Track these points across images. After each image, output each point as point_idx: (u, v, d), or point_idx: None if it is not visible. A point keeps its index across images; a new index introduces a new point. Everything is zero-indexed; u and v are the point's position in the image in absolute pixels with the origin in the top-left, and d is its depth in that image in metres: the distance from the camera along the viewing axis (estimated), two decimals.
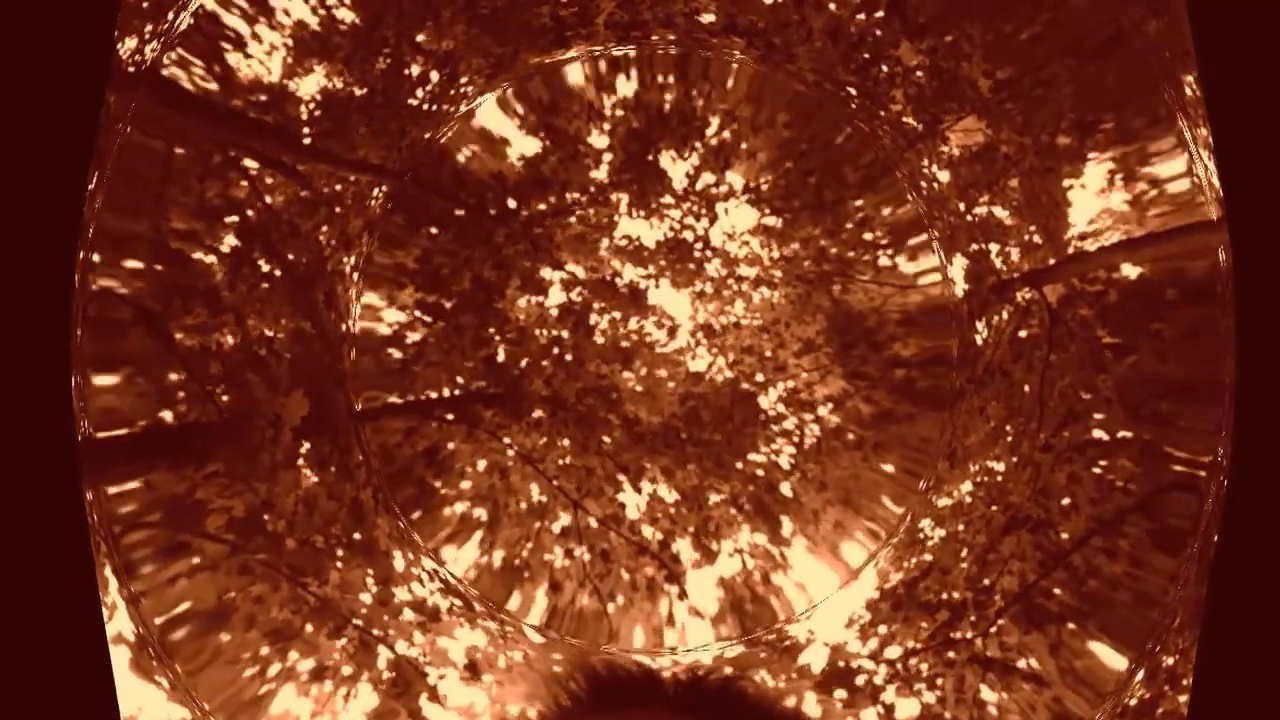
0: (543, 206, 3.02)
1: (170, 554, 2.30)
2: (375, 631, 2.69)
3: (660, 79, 2.95)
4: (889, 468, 2.99)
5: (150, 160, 2.23)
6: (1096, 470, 2.59)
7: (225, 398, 2.52)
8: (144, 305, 2.25)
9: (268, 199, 2.64)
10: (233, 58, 2.40)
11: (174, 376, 2.41)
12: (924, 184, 2.91)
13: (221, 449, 2.49)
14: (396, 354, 2.95)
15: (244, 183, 2.57)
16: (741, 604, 2.97)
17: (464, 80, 2.85)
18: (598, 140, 3.00)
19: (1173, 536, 2.32)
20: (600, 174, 3.02)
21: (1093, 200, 2.61)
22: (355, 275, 2.89)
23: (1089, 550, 2.52)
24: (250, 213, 2.60)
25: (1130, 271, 2.55)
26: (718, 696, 1.31)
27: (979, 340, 2.89)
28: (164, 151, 2.27)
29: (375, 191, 2.88)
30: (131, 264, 2.25)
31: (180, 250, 2.40)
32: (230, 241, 2.56)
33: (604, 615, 2.93)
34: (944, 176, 2.87)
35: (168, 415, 2.36)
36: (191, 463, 2.43)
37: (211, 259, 2.53)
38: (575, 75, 2.94)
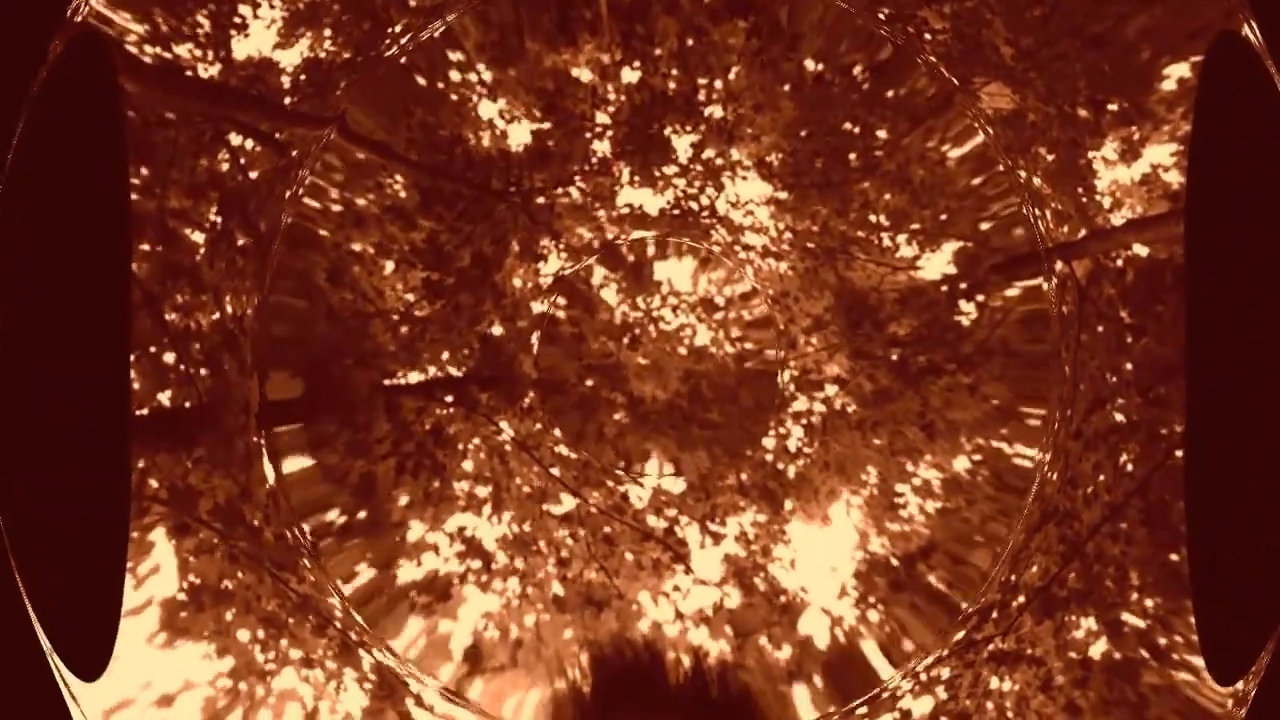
0: (544, 179, 3.14)
1: (179, 532, 2.54)
2: (353, 635, 2.86)
3: (664, 70, 3.08)
4: (879, 442, 3.17)
5: (163, 142, 2.43)
6: (1115, 456, 2.74)
7: (205, 380, 2.67)
8: (147, 287, 2.45)
9: (250, 173, 2.77)
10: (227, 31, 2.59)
11: (167, 359, 2.62)
12: (921, 171, 3.04)
13: (204, 434, 2.67)
14: (404, 331, 3.10)
15: (226, 155, 2.71)
16: (744, 572, 3.16)
17: (450, 18, 2.98)
18: (600, 117, 3.11)
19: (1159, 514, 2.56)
20: (603, 146, 3.14)
21: (1111, 175, 2.78)
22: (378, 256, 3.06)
23: (1100, 537, 2.70)
24: (231, 186, 2.73)
25: (1141, 250, 2.70)
26: (723, 702, 1.48)
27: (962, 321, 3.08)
28: (174, 135, 2.47)
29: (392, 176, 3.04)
30: (143, 246, 2.46)
31: (175, 229, 2.60)
32: (212, 216, 2.69)
33: (610, 585, 3.12)
34: (957, 153, 3.01)
35: (164, 398, 2.58)
36: (183, 447, 2.64)
37: (198, 236, 2.67)
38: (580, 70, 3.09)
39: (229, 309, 2.76)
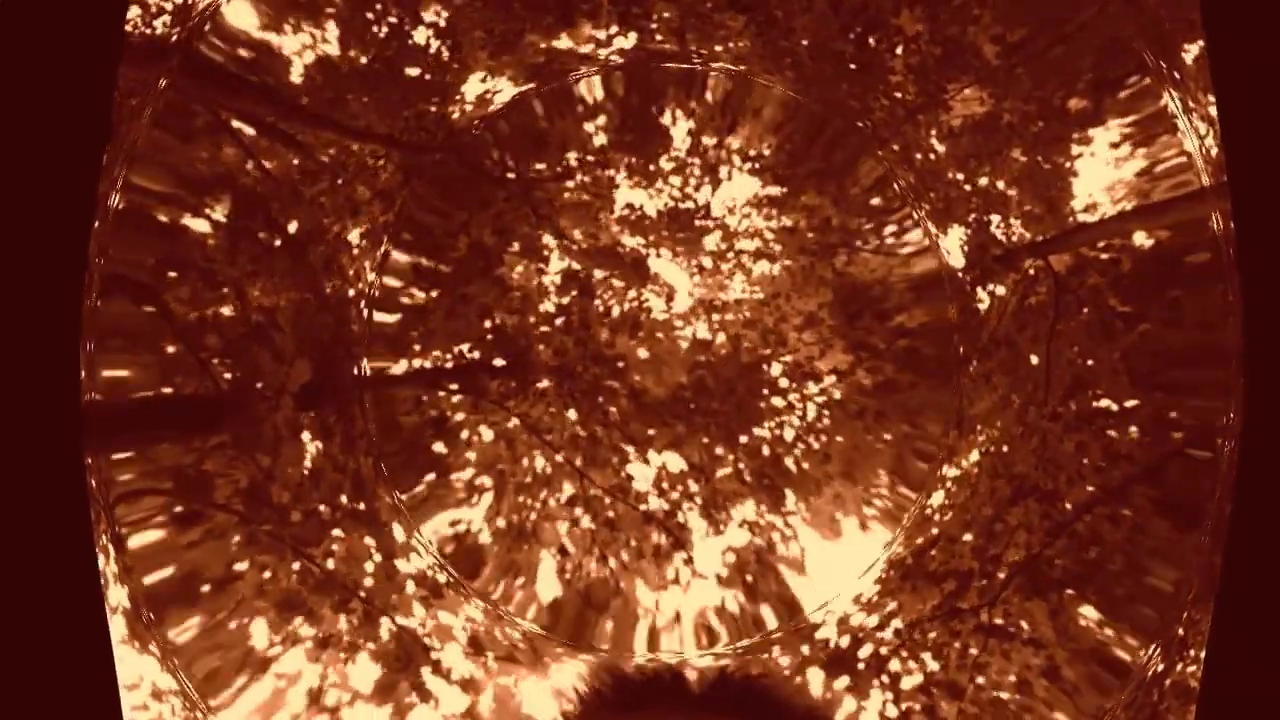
0: (541, 166, 3.04)
1: (180, 523, 2.38)
2: (378, 604, 2.76)
3: (658, 38, 2.94)
4: (888, 437, 3.06)
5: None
6: (1104, 439, 2.66)
7: (225, 370, 2.58)
8: (139, 278, 2.29)
9: (265, 165, 2.66)
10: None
11: (171, 349, 2.47)
12: (919, 155, 2.95)
13: (227, 421, 2.55)
14: (397, 321, 2.99)
15: (238, 148, 2.58)
16: (746, 569, 3.05)
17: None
18: (596, 91, 3.00)
19: (1182, 506, 2.41)
20: (598, 124, 3.01)
21: (1103, 168, 2.65)
22: (363, 242, 2.92)
23: (1093, 518, 2.61)
24: (245, 180, 2.63)
25: (1143, 239, 2.60)
26: (742, 695, 1.36)
27: (980, 309, 2.95)
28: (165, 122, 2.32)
29: (380, 160, 2.90)
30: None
31: (172, 220, 2.44)
32: (224, 210, 2.58)
33: (612, 580, 3.01)
34: (942, 148, 2.91)
35: (168, 388, 2.43)
36: (197, 435, 2.49)
37: (206, 228, 2.56)
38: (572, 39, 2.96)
39: (251, 301, 2.65)
